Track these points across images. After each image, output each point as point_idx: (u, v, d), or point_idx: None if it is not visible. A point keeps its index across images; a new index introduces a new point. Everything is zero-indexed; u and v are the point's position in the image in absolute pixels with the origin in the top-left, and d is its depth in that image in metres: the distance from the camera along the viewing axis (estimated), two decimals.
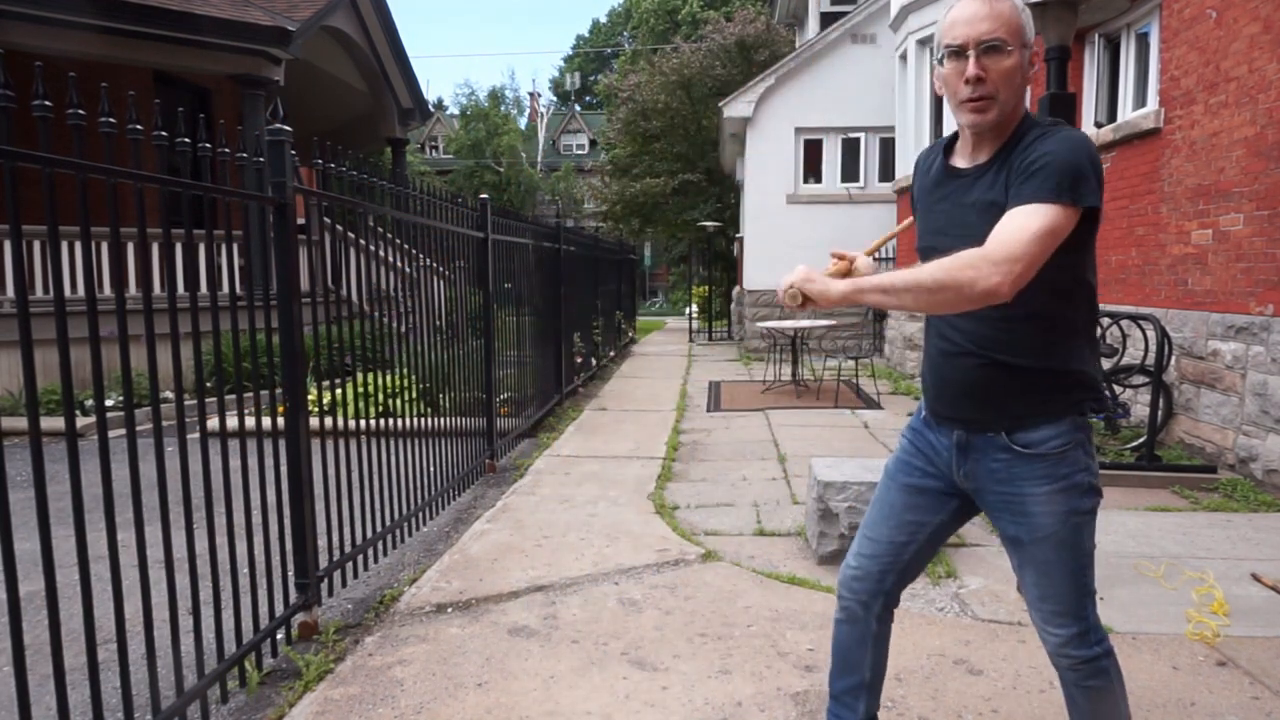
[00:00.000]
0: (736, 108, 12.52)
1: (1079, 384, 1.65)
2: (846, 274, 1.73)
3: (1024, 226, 1.42)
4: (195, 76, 11.06)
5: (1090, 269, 1.64)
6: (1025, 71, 1.56)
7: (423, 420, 4.31)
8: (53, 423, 5.89)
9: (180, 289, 6.83)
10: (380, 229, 6.57)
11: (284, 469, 2.96)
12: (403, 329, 4.39)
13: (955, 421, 1.72)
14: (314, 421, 3.17)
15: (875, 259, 1.88)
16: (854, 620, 1.93)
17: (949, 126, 9.15)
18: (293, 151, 2.97)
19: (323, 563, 3.20)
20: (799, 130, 12.43)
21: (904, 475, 1.84)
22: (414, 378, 4.36)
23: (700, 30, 23.20)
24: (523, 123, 40.61)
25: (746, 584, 3.42)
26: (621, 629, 3.00)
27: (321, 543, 3.21)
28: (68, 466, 1.93)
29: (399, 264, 4.56)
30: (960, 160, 1.66)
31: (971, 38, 1.52)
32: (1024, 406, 1.64)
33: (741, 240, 15.25)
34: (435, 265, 4.84)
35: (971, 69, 1.52)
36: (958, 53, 1.54)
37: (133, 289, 8.18)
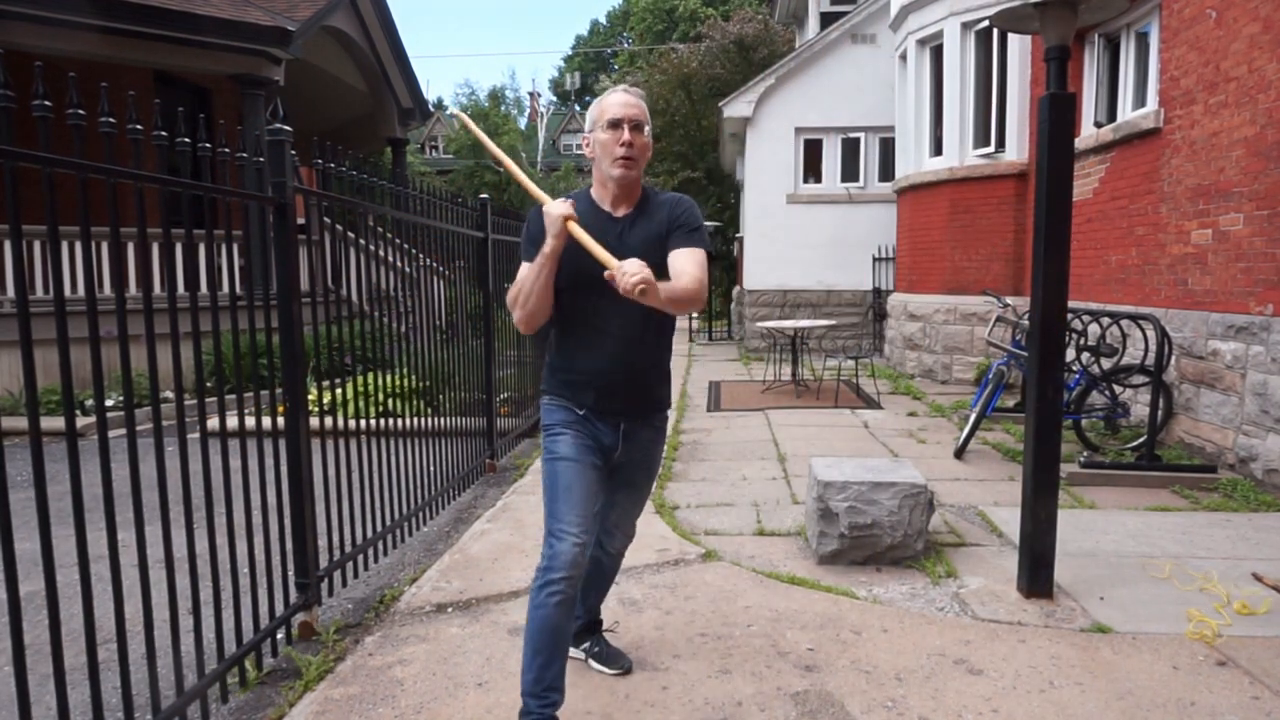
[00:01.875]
0: (736, 108, 12.51)
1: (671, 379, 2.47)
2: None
3: (700, 264, 2.22)
4: (195, 76, 11.06)
5: None
6: (650, 148, 2.28)
7: (423, 420, 4.31)
8: (53, 422, 5.89)
9: (180, 289, 6.82)
10: (380, 229, 6.57)
11: (284, 469, 2.96)
12: (403, 329, 4.39)
13: (622, 415, 2.32)
14: (314, 421, 3.17)
15: None
16: (575, 596, 2.17)
17: (949, 126, 9.18)
18: (293, 151, 2.97)
19: (323, 562, 3.20)
20: (799, 130, 12.42)
21: (587, 457, 2.27)
22: (414, 378, 4.36)
23: (698, 28, 23.17)
24: (523, 123, 40.61)
25: (746, 584, 3.42)
26: (622, 629, 3.00)
27: (321, 542, 3.21)
28: (68, 466, 1.93)
29: (399, 264, 4.57)
30: (611, 210, 2.29)
31: (627, 116, 2.19)
32: (660, 397, 2.43)
33: (741, 240, 15.25)
34: (435, 265, 4.84)
35: (626, 135, 2.18)
36: (615, 125, 2.19)
37: (133, 289, 8.18)
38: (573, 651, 2.72)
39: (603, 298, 2.15)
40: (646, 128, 2.23)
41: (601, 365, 2.28)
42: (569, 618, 2.16)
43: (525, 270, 2.23)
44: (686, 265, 2.26)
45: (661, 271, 2.18)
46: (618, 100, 2.21)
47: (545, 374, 2.45)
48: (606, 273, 2.01)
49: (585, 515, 2.19)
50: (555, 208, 2.08)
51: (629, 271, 1.93)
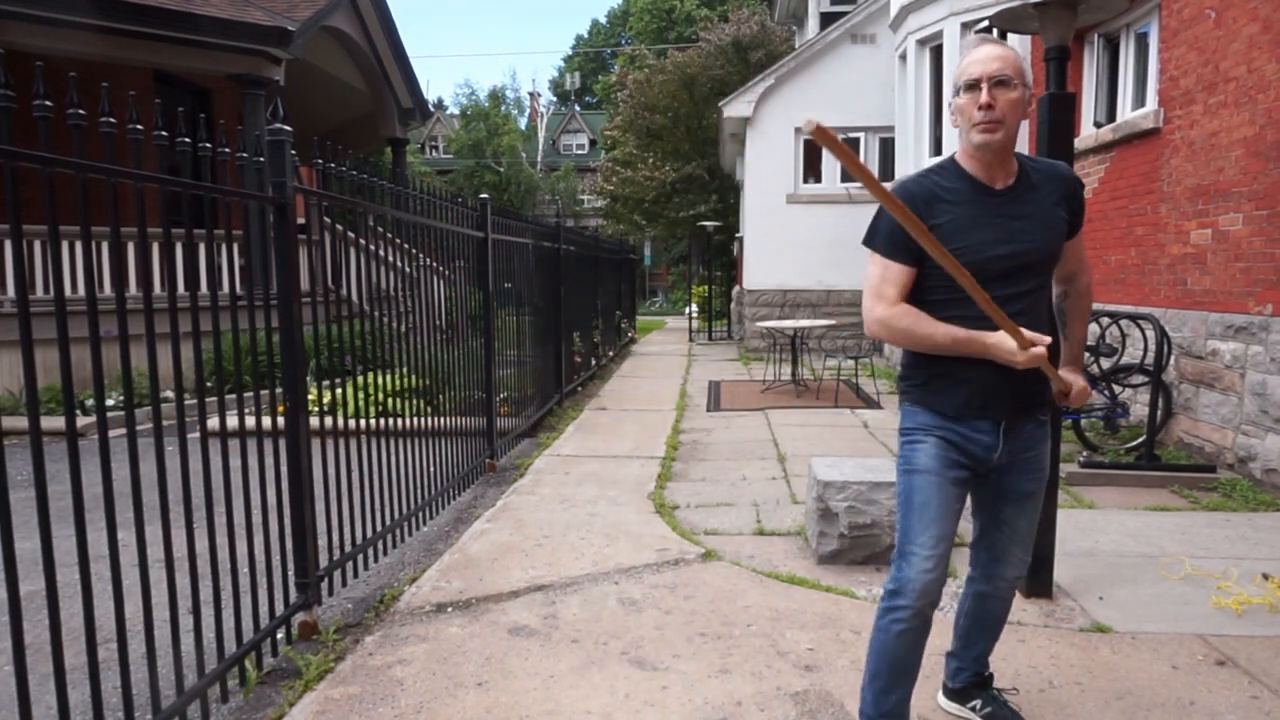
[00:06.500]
0: (736, 108, 12.52)
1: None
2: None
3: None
4: (195, 76, 11.06)
5: None
6: (1025, 105, 1.92)
7: (423, 420, 4.31)
8: (53, 422, 5.90)
9: (180, 288, 6.81)
10: (380, 229, 6.58)
11: (284, 469, 2.97)
12: (403, 329, 4.39)
13: (1007, 411, 2.00)
14: (314, 421, 3.18)
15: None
16: (923, 627, 1.97)
17: (949, 127, 9.15)
18: (293, 151, 2.97)
19: (323, 562, 3.20)
20: (799, 130, 12.42)
21: (951, 470, 2.00)
22: (414, 377, 4.36)
23: (695, 28, 23.19)
24: (523, 123, 40.60)
25: (746, 583, 3.42)
26: (621, 628, 3.01)
27: (321, 542, 3.21)
28: (68, 466, 1.93)
29: (399, 264, 4.57)
30: (989, 182, 1.97)
31: (985, 74, 1.87)
32: (1045, 390, 2.05)
33: (742, 240, 15.26)
34: (435, 265, 4.84)
35: (984, 97, 1.86)
36: (973, 86, 1.89)
37: (133, 289, 8.18)
38: (958, 709, 2.40)
39: (1001, 287, 1.89)
40: (1016, 82, 1.88)
41: (984, 364, 1.94)
42: (914, 649, 1.99)
43: (900, 307, 1.98)
44: (1084, 260, 2.17)
45: (1055, 260, 2.04)
46: (977, 56, 1.90)
47: (905, 372, 2.12)
48: (1057, 393, 2.04)
49: (941, 536, 1.96)
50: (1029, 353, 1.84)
51: (1079, 393, 2.05)
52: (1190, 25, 5.63)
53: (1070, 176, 2.07)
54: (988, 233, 1.92)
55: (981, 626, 2.28)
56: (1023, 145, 8.44)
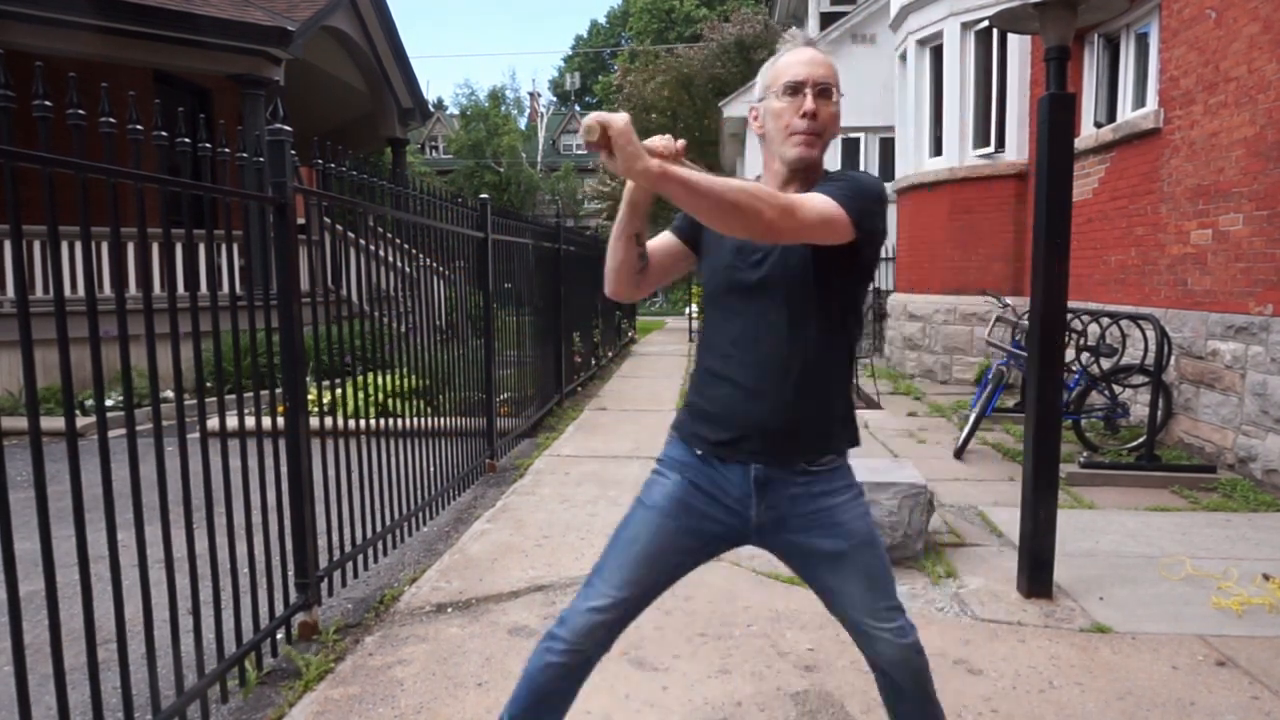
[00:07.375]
0: (736, 108, 12.53)
1: (853, 417, 1.78)
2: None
3: (817, 205, 1.51)
4: (195, 76, 11.06)
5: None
6: (838, 121, 1.67)
7: (423, 420, 4.31)
8: (53, 422, 5.89)
9: (180, 289, 6.83)
10: (380, 229, 6.58)
11: (284, 469, 2.96)
12: (403, 329, 4.39)
13: (755, 456, 1.65)
14: (314, 421, 3.18)
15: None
16: (575, 668, 1.69)
17: (949, 126, 9.17)
18: (293, 151, 2.97)
19: (323, 563, 3.20)
20: None
21: (682, 516, 1.68)
22: (414, 378, 4.36)
23: (695, 28, 23.24)
24: (523, 123, 40.63)
25: (746, 584, 3.42)
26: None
27: (321, 542, 3.21)
28: (68, 466, 1.93)
29: (399, 264, 4.57)
30: None
31: (811, 77, 1.61)
32: (824, 436, 1.69)
33: None
34: (435, 265, 4.84)
35: (809, 104, 1.60)
36: (795, 89, 1.62)
37: (133, 289, 8.18)
38: None
39: (740, 299, 1.65)
40: (836, 95, 1.64)
41: (730, 392, 1.66)
42: (556, 685, 1.70)
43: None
44: (800, 197, 1.52)
45: (809, 273, 1.60)
46: (800, 58, 1.63)
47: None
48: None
49: (632, 581, 1.67)
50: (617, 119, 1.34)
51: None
52: (1190, 25, 5.63)
53: (841, 172, 1.66)
54: (732, 247, 1.65)
55: (906, 703, 1.76)
56: (1023, 145, 8.44)
